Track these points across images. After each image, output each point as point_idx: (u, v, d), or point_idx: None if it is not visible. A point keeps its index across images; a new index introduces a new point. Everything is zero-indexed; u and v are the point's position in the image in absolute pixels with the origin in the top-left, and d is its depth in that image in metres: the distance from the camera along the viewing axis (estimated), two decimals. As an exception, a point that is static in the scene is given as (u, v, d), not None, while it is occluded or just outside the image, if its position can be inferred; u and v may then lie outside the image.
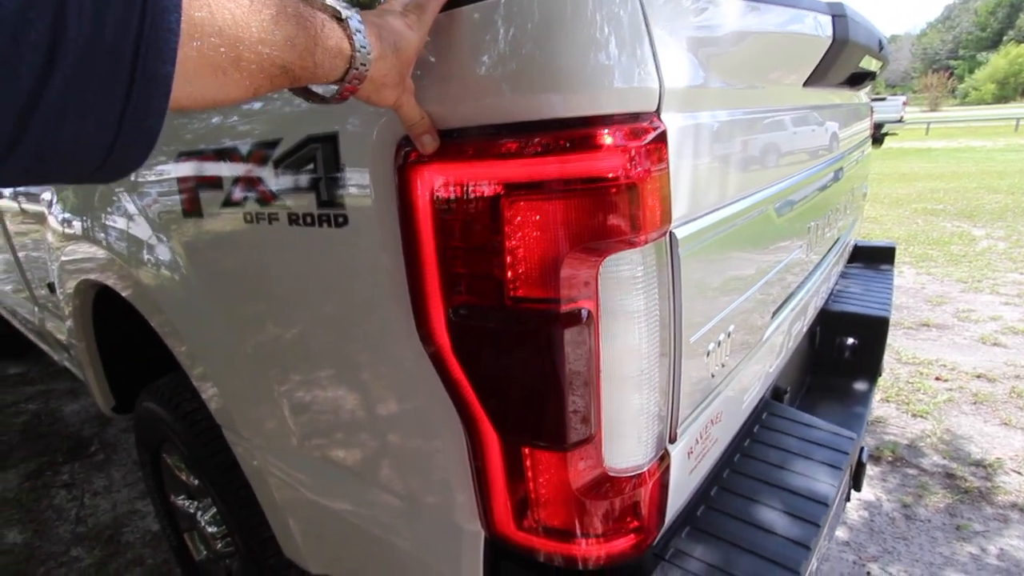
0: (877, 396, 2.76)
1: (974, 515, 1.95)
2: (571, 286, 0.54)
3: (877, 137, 18.28)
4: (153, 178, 1.02)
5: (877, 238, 5.16)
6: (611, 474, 0.62)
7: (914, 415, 2.61)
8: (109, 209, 1.19)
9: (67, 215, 1.45)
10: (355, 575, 0.97)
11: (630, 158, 0.52)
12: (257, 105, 0.78)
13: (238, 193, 0.82)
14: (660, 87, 0.55)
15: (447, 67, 0.56)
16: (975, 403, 2.68)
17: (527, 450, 0.61)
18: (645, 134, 0.54)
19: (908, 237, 5.78)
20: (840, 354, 1.62)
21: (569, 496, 0.62)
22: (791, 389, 1.36)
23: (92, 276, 1.36)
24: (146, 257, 1.09)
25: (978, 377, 2.90)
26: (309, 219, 0.73)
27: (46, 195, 1.58)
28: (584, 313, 0.55)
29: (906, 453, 2.33)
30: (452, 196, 0.56)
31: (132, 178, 1.09)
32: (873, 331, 1.58)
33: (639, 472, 0.63)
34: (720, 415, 0.81)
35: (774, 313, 0.97)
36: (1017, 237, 5.58)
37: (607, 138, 0.51)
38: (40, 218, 1.64)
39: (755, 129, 0.80)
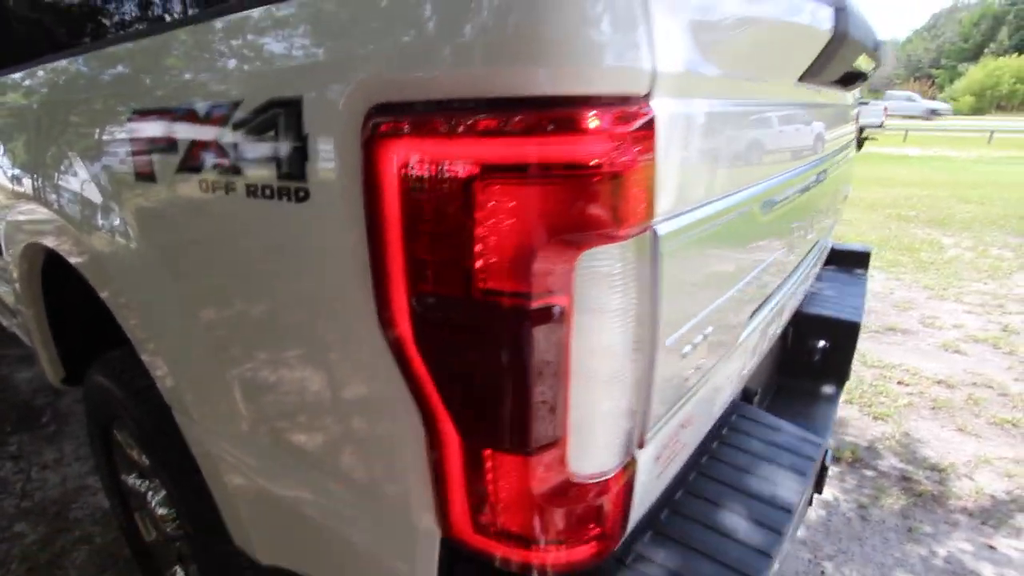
0: (841, 399, 2.82)
1: (926, 518, 2.00)
2: (545, 280, 0.50)
3: (858, 141, 18.66)
4: (106, 137, 0.94)
5: (851, 241, 5.27)
6: (575, 480, 0.59)
7: (875, 418, 2.66)
8: (60, 168, 1.11)
9: (15, 171, 1.36)
10: (305, 568, 0.93)
11: (616, 145, 0.48)
12: (219, 61, 0.72)
13: (194, 158, 0.76)
14: (654, 70, 0.51)
15: (420, 33, 0.51)
16: (934, 408, 2.74)
17: (488, 452, 0.57)
18: (633, 120, 0.50)
19: (880, 241, 5.90)
20: (810, 357, 1.63)
21: (530, 501, 0.58)
22: (761, 390, 1.36)
23: (40, 240, 1.27)
24: (96, 223, 1.01)
25: (938, 383, 2.98)
26: (268, 191, 0.67)
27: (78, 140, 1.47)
28: (557, 310, 0.52)
29: (865, 455, 2.37)
30: (421, 175, 0.51)
31: (84, 137, 1.01)
32: (844, 335, 1.58)
33: (604, 479, 0.60)
34: (692, 419, 0.79)
35: (752, 314, 0.95)
36: (983, 247, 5.74)
37: (592, 121, 0.47)
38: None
39: (746, 123, 0.77)
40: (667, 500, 0.86)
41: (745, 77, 0.75)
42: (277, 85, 0.64)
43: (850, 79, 1.25)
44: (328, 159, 0.60)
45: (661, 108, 0.54)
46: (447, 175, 0.50)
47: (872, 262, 2.11)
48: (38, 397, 2.80)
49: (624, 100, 0.50)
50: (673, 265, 0.60)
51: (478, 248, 0.50)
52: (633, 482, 0.65)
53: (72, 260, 1.13)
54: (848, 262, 2.05)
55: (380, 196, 0.54)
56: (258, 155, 0.67)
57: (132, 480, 1.54)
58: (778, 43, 0.83)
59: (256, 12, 0.67)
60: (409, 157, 0.52)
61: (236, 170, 0.70)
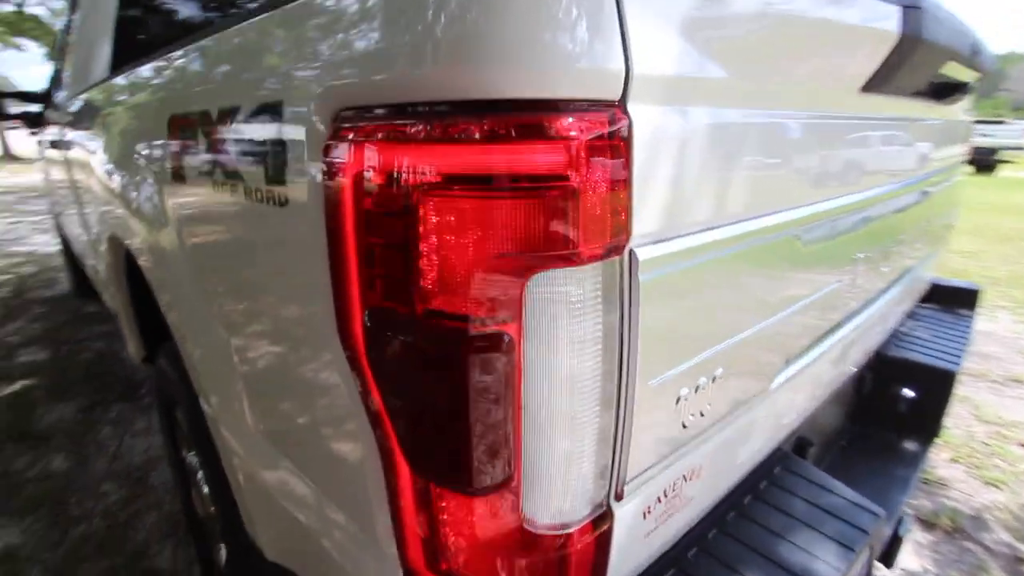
0: (944, 455, 2.45)
1: (1039, 610, 1.67)
2: (488, 304, 0.45)
3: (988, 164, 16.52)
4: (156, 141, 1.01)
5: (972, 275, 4.62)
6: (530, 529, 0.52)
7: (986, 483, 2.29)
8: (117, 165, 1.21)
9: (105, 167, 1.50)
10: (302, 573, 0.93)
11: (572, 155, 0.42)
12: (225, 67, 0.73)
13: (208, 160, 0.78)
14: (627, 70, 0.44)
15: (379, 34, 0.48)
16: (1065, 480, 2.32)
17: (434, 487, 0.52)
18: (597, 127, 0.43)
19: (1010, 278, 5.13)
20: (893, 406, 1.41)
21: (478, 546, 0.53)
22: (820, 442, 1.19)
23: (115, 231, 1.39)
24: (146, 216, 1.09)
25: (1074, 450, 2.52)
26: (259, 195, 0.67)
27: (95, 144, 1.63)
28: (503, 339, 0.46)
29: (969, 525, 2.04)
30: (370, 181, 0.48)
31: (141, 141, 1.09)
32: (936, 384, 1.36)
33: (566, 531, 0.53)
34: (699, 471, 0.69)
35: (792, 357, 0.83)
36: None
37: (544, 128, 0.42)
38: (87, 167, 1.71)
39: (777, 137, 0.66)
40: (675, 560, 0.77)
41: (775, 83, 0.64)
42: (268, 89, 0.63)
43: (945, 91, 1.07)
44: (300, 164, 0.58)
45: (643, 115, 0.47)
46: (392, 183, 0.46)
47: (997, 301, 1.81)
48: (139, 372, 3.10)
49: (588, 105, 0.43)
50: (659, 296, 0.52)
51: (421, 263, 0.46)
52: (609, 538, 0.58)
53: (131, 247, 1.23)
54: (952, 300, 1.78)
55: (337, 203, 0.52)
56: (251, 159, 0.67)
57: (190, 457, 1.65)
58: (822, 45, 0.71)
59: (248, 23, 0.67)
60: (361, 163, 0.49)
61: (236, 174, 0.71)
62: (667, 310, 0.54)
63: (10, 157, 14.62)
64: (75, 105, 1.91)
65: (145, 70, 1.09)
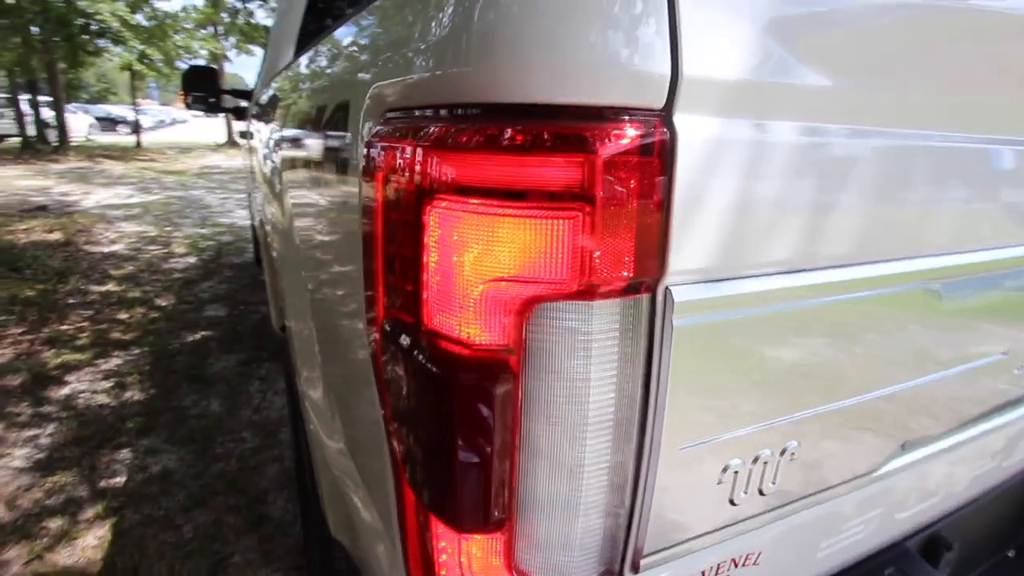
0: None
1: None
2: (486, 330, 0.41)
3: None
4: (277, 137, 1.11)
5: None
6: (522, 580, 0.47)
7: None
8: (265, 157, 1.35)
9: (257, 157, 1.70)
10: (355, 556, 0.96)
11: (586, 172, 0.36)
12: (327, 66, 0.77)
13: (305, 155, 0.84)
14: (675, 74, 0.37)
15: (414, 36, 0.46)
16: None
17: (429, 513, 0.49)
18: (623, 140, 0.37)
19: None
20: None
21: (466, 586, 0.49)
22: (968, 546, 0.95)
23: (258, 214, 1.57)
24: (270, 206, 1.20)
25: None
26: (334, 191, 0.70)
27: (256, 138, 1.86)
28: (501, 369, 0.41)
29: None
30: (394, 185, 0.46)
31: (270, 137, 1.21)
32: None
33: (564, 592, 0.47)
34: (756, 557, 0.57)
35: (915, 442, 0.65)
36: None
37: (556, 138, 0.36)
38: (255, 155, 1.96)
39: (917, 161, 0.52)
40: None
41: (917, 96, 0.50)
42: (344, 89, 0.65)
43: None
44: (355, 162, 0.59)
45: (694, 128, 0.39)
46: (406, 190, 0.44)
47: None
48: (290, 337, 3.51)
49: (618, 113, 0.37)
50: (703, 346, 0.43)
51: (421, 274, 0.43)
52: (620, 612, 0.50)
53: (262, 225, 1.37)
54: None
55: (368, 204, 0.51)
56: (333, 155, 0.70)
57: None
58: (983, 45, 0.54)
59: (337, 31, 0.70)
60: (386, 165, 0.47)
61: (322, 167, 0.74)
62: (715, 364, 0.45)
63: (231, 143, 17.60)
64: (252, 105, 2.21)
65: (279, 78, 1.21)
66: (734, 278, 0.44)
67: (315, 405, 1.01)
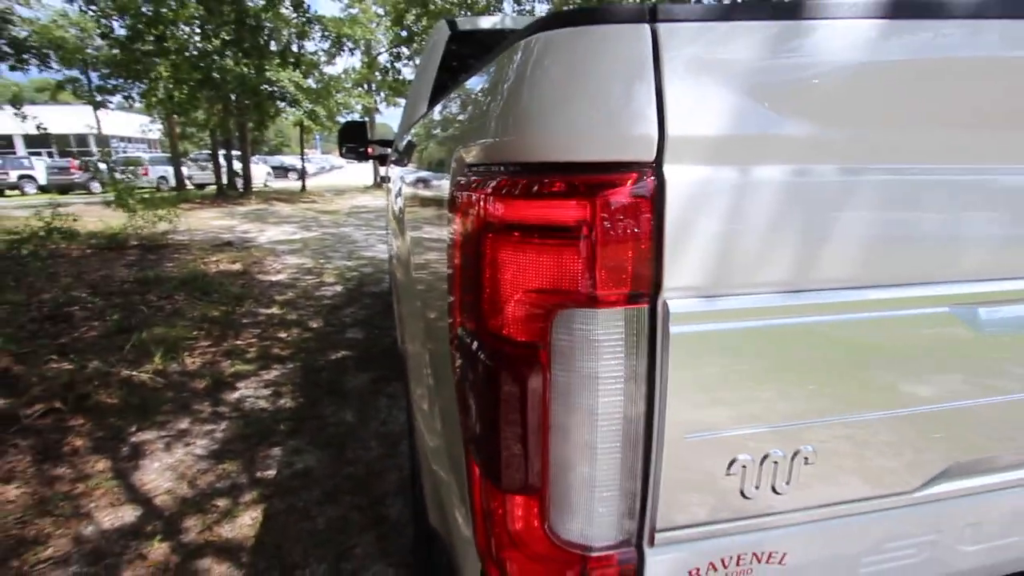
0: None
1: None
2: (521, 330, 0.54)
3: None
4: (402, 184, 1.34)
5: None
6: (553, 540, 0.58)
7: None
8: (392, 198, 1.61)
9: (389, 199, 2.00)
10: (448, 543, 1.10)
11: (589, 212, 0.49)
12: (435, 126, 0.97)
13: (426, 196, 1.04)
14: (661, 134, 0.48)
15: (480, 112, 0.62)
16: None
17: (487, 480, 0.62)
18: (617, 187, 0.48)
19: None
20: None
21: (513, 544, 0.60)
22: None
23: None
24: (398, 232, 1.44)
25: None
26: (439, 224, 0.88)
27: (390, 182, 2.17)
28: (531, 361, 0.54)
29: None
30: (466, 224, 0.62)
31: (396, 183, 1.45)
32: None
33: (587, 554, 0.57)
34: (781, 557, 0.62)
35: (956, 469, 0.65)
36: None
37: (566, 187, 0.49)
38: (389, 196, 2.27)
39: (889, 192, 0.55)
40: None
41: (906, 132, 0.54)
42: (442, 147, 0.83)
43: None
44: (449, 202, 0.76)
45: (681, 175, 0.49)
46: (473, 225, 0.59)
47: None
48: (415, 359, 3.84)
49: (615, 166, 0.49)
50: (699, 350, 0.52)
51: (479, 289, 0.57)
52: (638, 578, 0.58)
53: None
54: None
55: (454, 236, 0.67)
56: (437, 200, 0.88)
57: (418, 434, 2.04)
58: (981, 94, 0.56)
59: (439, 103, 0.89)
60: (465, 207, 0.63)
61: (429, 206, 0.93)
62: (713, 367, 0.53)
63: (377, 185, 19.69)
64: (392, 152, 2.57)
65: (409, 132, 1.46)
66: (726, 295, 0.52)
67: (422, 413, 1.19)
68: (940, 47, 0.53)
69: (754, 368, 0.55)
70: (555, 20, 0.49)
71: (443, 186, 0.82)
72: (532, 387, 0.54)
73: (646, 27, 0.47)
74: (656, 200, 0.49)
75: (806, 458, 0.58)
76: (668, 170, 0.49)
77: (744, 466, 0.57)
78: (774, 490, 0.59)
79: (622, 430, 0.53)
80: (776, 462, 0.58)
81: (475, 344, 0.59)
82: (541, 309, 0.53)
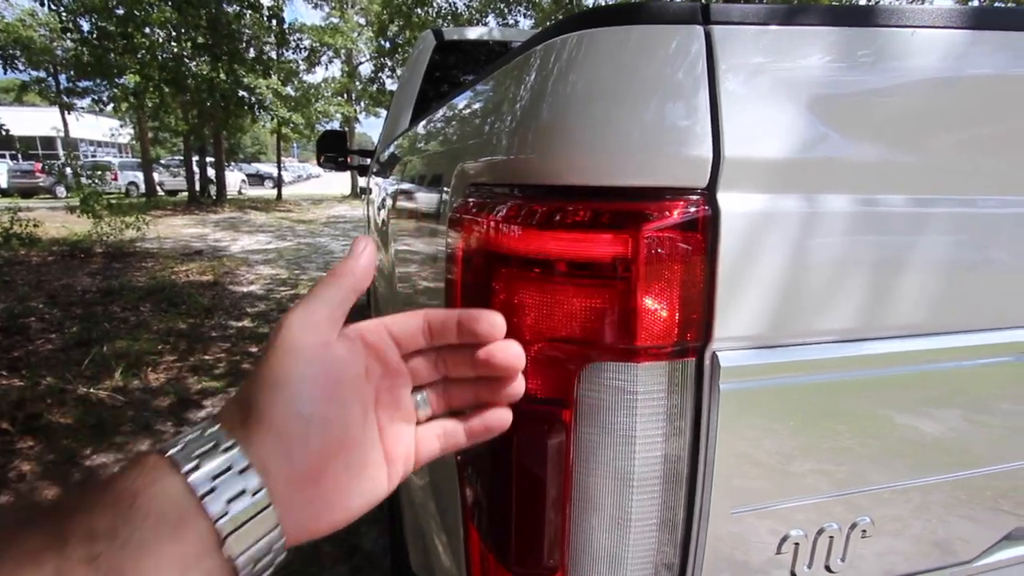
0: None
1: None
2: (540, 385, 0.45)
3: None
4: (386, 194, 1.25)
5: None
6: (572, 631, 0.49)
7: None
8: (375, 209, 1.51)
9: (371, 210, 1.90)
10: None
11: (628, 247, 0.40)
12: (428, 139, 0.88)
13: (417, 211, 0.95)
14: (717, 156, 0.40)
15: (489, 126, 0.53)
16: None
17: (489, 554, 0.53)
18: (664, 217, 0.40)
19: None
20: None
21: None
22: None
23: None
24: (381, 245, 1.34)
25: None
26: (430, 242, 0.79)
27: (384, 190, 2.07)
28: (553, 421, 0.45)
29: None
30: (468, 251, 0.53)
31: (380, 193, 1.36)
32: None
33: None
34: None
35: (1004, 538, 0.58)
36: None
37: (600, 216, 0.41)
38: (369, 207, 2.17)
39: (984, 229, 0.49)
40: None
41: (977, 161, 0.48)
42: (436, 162, 0.75)
43: None
44: (444, 223, 0.67)
45: (739, 204, 0.41)
46: (479, 255, 0.50)
47: None
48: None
49: (661, 193, 0.41)
50: (755, 410, 0.44)
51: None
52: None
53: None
54: None
55: (451, 264, 0.58)
56: (430, 216, 0.79)
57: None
58: None
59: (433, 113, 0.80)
60: (468, 231, 0.54)
61: (419, 221, 0.84)
62: (769, 430, 0.45)
63: (355, 195, 19.47)
64: (373, 163, 2.48)
65: (394, 144, 1.37)
66: (786, 345, 0.44)
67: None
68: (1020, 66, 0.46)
69: (812, 429, 0.47)
70: (588, 18, 0.41)
71: (435, 202, 0.73)
72: (553, 453, 0.45)
73: (699, 28, 0.40)
74: (708, 233, 0.41)
75: (864, 530, 0.50)
76: (723, 198, 0.41)
77: (797, 543, 0.49)
78: (828, 569, 0.50)
79: (659, 505, 0.45)
80: (832, 536, 0.50)
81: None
82: (566, 361, 0.44)
